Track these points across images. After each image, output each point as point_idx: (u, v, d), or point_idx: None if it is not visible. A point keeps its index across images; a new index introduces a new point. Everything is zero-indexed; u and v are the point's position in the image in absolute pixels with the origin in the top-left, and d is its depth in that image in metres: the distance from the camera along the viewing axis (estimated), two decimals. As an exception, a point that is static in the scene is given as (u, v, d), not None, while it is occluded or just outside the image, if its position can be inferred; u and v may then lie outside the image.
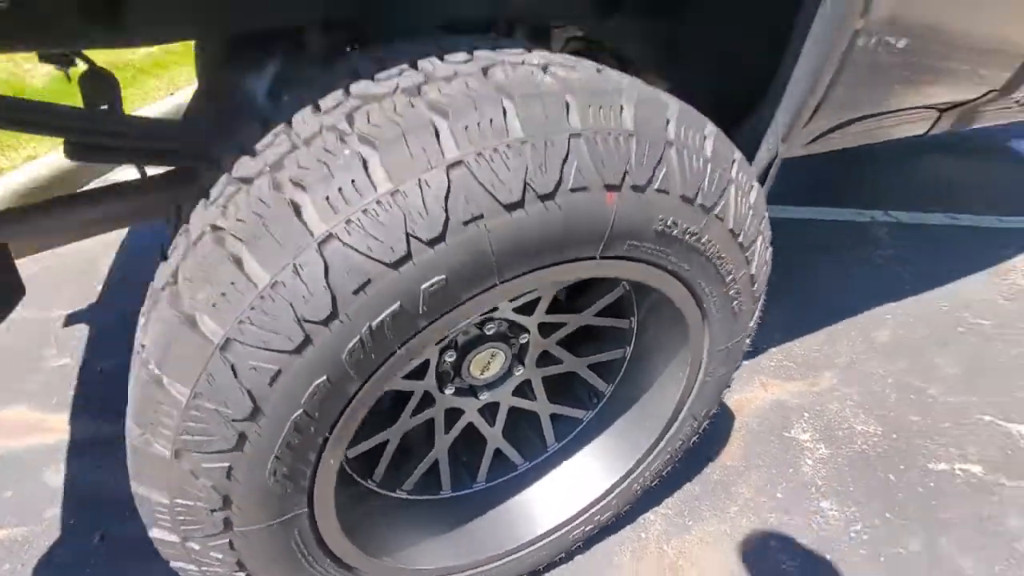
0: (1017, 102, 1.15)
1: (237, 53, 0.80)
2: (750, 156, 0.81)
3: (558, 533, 0.86)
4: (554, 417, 0.89)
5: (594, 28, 1.01)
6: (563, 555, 0.92)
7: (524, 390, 0.86)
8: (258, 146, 0.49)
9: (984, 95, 1.05)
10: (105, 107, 0.80)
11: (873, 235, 2.00)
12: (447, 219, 0.45)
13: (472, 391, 0.83)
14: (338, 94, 0.49)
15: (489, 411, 0.86)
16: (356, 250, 0.43)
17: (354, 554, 0.67)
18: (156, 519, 0.52)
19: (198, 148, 0.77)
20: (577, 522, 0.86)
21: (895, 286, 1.72)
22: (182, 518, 0.51)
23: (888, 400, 1.33)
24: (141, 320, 0.51)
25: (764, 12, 0.78)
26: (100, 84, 0.80)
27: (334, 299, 0.43)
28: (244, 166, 0.48)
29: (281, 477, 0.50)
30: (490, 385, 0.83)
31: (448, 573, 0.79)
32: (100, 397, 1.30)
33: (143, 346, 0.48)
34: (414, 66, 0.51)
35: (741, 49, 0.88)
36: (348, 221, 0.43)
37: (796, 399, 1.33)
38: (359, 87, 0.49)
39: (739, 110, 0.84)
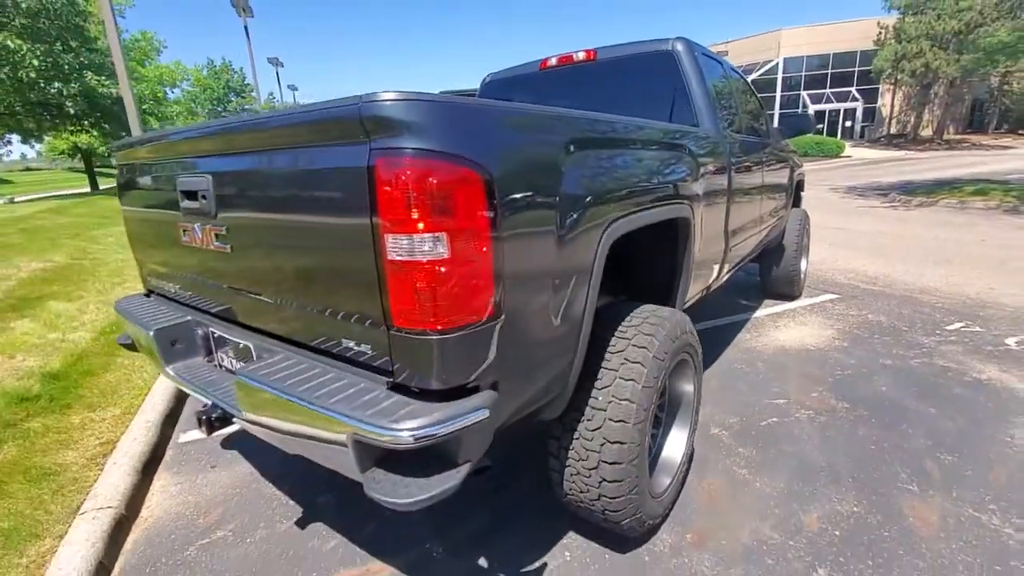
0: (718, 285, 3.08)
1: None
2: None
3: (679, 471, 2.09)
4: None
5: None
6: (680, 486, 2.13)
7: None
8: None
9: (713, 280, 2.93)
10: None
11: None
12: (665, 358, 1.82)
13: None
14: (633, 321, 1.85)
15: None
16: (657, 358, 1.76)
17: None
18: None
19: None
20: (682, 463, 2.11)
21: (706, 361, 3.50)
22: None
23: (730, 406, 2.94)
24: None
25: (666, 264, 2.38)
26: None
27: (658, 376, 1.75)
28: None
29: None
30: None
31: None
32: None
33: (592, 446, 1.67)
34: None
35: (657, 278, 2.48)
36: (650, 362, 1.76)
37: (703, 420, 2.82)
38: (630, 330, 1.85)
39: (663, 296, 2.40)
